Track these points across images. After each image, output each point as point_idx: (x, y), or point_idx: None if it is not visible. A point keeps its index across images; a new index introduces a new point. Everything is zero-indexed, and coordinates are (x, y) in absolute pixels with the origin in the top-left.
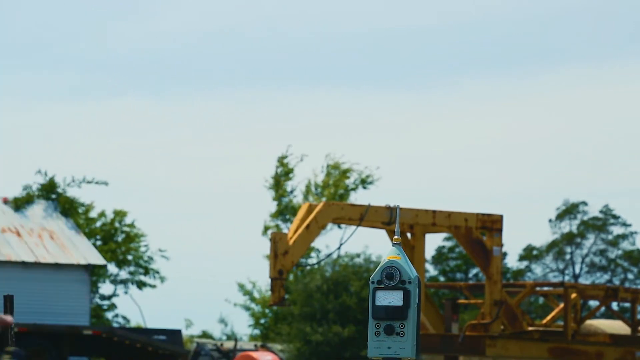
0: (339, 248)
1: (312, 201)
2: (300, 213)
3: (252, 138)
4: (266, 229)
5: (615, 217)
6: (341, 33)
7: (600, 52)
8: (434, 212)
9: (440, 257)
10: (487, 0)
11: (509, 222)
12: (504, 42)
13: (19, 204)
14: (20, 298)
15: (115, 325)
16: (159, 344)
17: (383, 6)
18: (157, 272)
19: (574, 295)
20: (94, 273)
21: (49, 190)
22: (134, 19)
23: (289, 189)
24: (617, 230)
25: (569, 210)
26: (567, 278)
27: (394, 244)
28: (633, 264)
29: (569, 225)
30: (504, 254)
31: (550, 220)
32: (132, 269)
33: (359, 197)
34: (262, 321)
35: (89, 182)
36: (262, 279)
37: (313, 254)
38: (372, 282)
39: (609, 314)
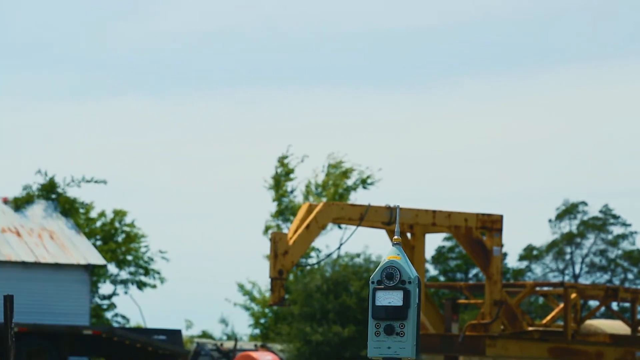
0: (339, 248)
1: (312, 201)
2: (300, 213)
3: (252, 138)
4: (267, 229)
5: (615, 217)
6: (341, 33)
7: (600, 52)
8: (434, 212)
9: (440, 257)
10: (487, 0)
11: (509, 222)
12: (504, 42)
13: (19, 204)
14: (20, 298)
15: (115, 325)
16: (159, 344)
17: (383, 6)
18: (158, 273)
19: (574, 295)
20: (94, 273)
21: (49, 190)
22: (134, 19)
23: (289, 189)
24: (617, 230)
25: (569, 210)
26: (567, 278)
27: (394, 244)
28: (633, 264)
29: (569, 225)
30: (504, 254)
31: (550, 220)
32: (132, 269)
33: (359, 197)
34: (262, 321)
35: (88, 182)
36: (262, 279)
37: (313, 254)
38: (372, 282)
39: (609, 314)
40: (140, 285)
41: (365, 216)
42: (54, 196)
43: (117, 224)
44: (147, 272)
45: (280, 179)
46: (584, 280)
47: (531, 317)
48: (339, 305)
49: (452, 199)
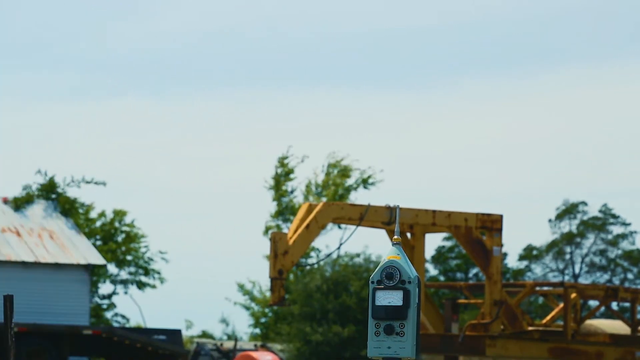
0: (339, 248)
1: (312, 201)
2: (300, 213)
3: (252, 138)
4: (267, 229)
5: (614, 216)
6: (341, 33)
7: (600, 52)
8: (434, 212)
9: (440, 257)
10: (487, 0)
11: (509, 222)
12: (504, 42)
13: (19, 204)
14: (20, 298)
15: (115, 325)
16: (159, 344)
17: (383, 6)
18: (158, 273)
19: (573, 295)
20: (94, 273)
21: (48, 190)
22: (134, 19)
23: (289, 189)
24: (616, 230)
25: (569, 210)
26: (567, 278)
27: (393, 244)
28: (633, 264)
29: (569, 225)
30: (504, 254)
31: (550, 220)
32: (132, 269)
33: (359, 197)
34: (262, 321)
35: (87, 182)
36: (262, 279)
37: (313, 254)
38: (372, 282)
39: (609, 314)
40: (140, 285)
41: (365, 216)
42: (54, 196)
43: (117, 224)
44: (147, 272)
45: (280, 179)
46: (584, 280)
47: (531, 317)
48: (339, 305)
49: (452, 199)
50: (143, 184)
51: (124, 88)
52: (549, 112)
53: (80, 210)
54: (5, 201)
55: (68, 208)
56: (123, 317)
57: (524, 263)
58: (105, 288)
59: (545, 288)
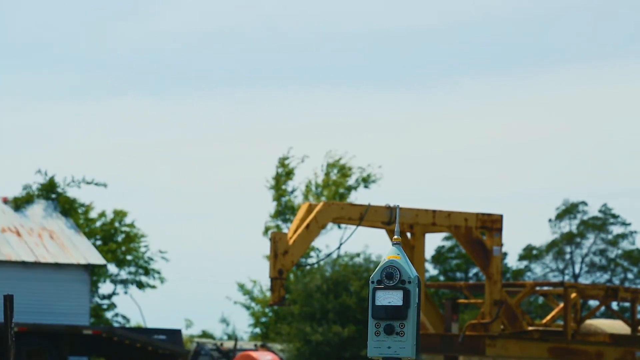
0: (339, 248)
1: (312, 201)
2: (300, 213)
3: (252, 138)
4: (267, 229)
5: (614, 216)
6: (341, 33)
7: (600, 52)
8: (434, 212)
9: (440, 257)
10: (487, 0)
11: (509, 222)
12: (504, 42)
13: (19, 204)
14: (20, 298)
15: (115, 324)
16: (159, 344)
17: (383, 6)
18: (158, 273)
19: (574, 295)
20: (94, 273)
21: (48, 190)
22: (134, 19)
23: (289, 189)
24: (616, 230)
25: (569, 210)
26: (567, 278)
27: (393, 244)
28: (633, 264)
29: (569, 225)
30: (504, 254)
31: (550, 220)
32: (132, 269)
33: (359, 197)
34: (262, 320)
35: (88, 183)
36: (262, 279)
37: (313, 254)
38: (372, 282)
39: (609, 314)
40: (140, 285)
41: (365, 216)
42: (54, 196)
43: (117, 224)
44: (147, 272)
45: (281, 179)
46: (584, 280)
47: (531, 317)
48: (339, 305)
49: (452, 199)
50: (143, 184)
51: (124, 88)
52: (549, 112)
53: (80, 210)
54: (5, 201)
55: (68, 208)
56: (123, 317)
57: (524, 263)
58: (105, 288)
59: (545, 288)
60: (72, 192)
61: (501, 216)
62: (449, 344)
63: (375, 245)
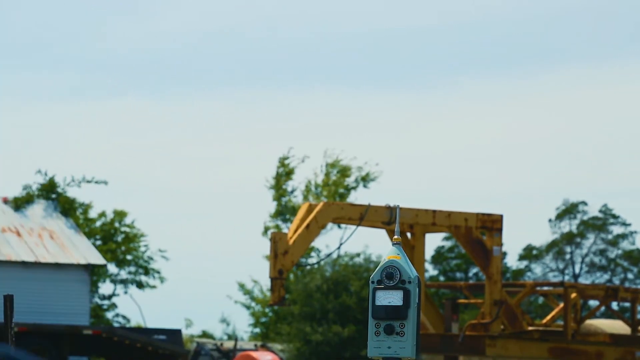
0: (339, 248)
1: (312, 201)
2: (300, 213)
3: (252, 138)
4: (266, 229)
5: (614, 216)
6: (341, 33)
7: (600, 52)
8: (434, 212)
9: (440, 257)
10: (487, 0)
11: (509, 222)
12: (504, 42)
13: (19, 204)
14: (20, 298)
15: (115, 325)
16: (159, 344)
17: (383, 6)
18: (158, 272)
19: (574, 295)
20: (94, 273)
21: (49, 190)
22: (134, 18)
23: (289, 189)
24: (616, 230)
25: (569, 210)
26: (567, 278)
27: (394, 244)
28: (633, 264)
29: (569, 225)
30: (504, 254)
31: (550, 220)
32: (132, 269)
33: (359, 196)
34: (262, 320)
35: (88, 182)
36: (262, 279)
37: (313, 254)
38: (372, 282)
39: (609, 314)
40: (140, 285)
41: (365, 216)
42: (54, 196)
43: (116, 224)
44: (147, 271)
45: (281, 179)
46: (584, 280)
47: (531, 317)
48: (339, 305)
49: (452, 199)
50: (143, 184)
51: (124, 88)
52: (549, 112)
53: (79, 210)
54: (5, 201)
55: (68, 208)
56: (124, 317)
57: (524, 263)
58: (105, 288)
59: (545, 288)
60: (72, 192)
61: (501, 216)
62: (449, 344)
63: (375, 245)
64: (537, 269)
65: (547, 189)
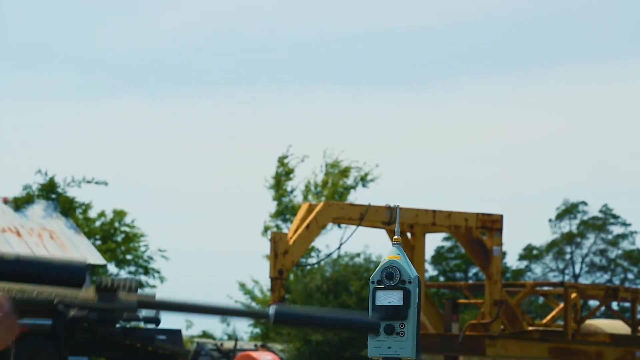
0: (339, 248)
1: (312, 201)
2: (300, 213)
3: (252, 138)
4: (266, 229)
5: (615, 216)
6: (341, 33)
7: (600, 52)
8: (434, 212)
9: (440, 257)
10: (487, 0)
11: (509, 222)
12: (504, 42)
13: (19, 204)
14: None
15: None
16: (159, 344)
17: (383, 6)
18: (158, 272)
19: (574, 295)
20: (94, 273)
21: (49, 190)
22: (134, 18)
23: (289, 189)
24: (617, 230)
25: (569, 210)
26: (567, 278)
27: (394, 244)
28: (633, 264)
29: (569, 225)
30: (504, 254)
31: (550, 220)
32: (132, 269)
33: (359, 196)
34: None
35: (88, 182)
36: (262, 279)
37: (313, 254)
38: (372, 282)
39: (609, 314)
40: (140, 285)
41: (365, 216)
42: (54, 196)
43: (116, 224)
44: (146, 271)
45: (281, 179)
46: (584, 280)
47: (531, 317)
48: (339, 305)
49: (452, 199)
50: (143, 184)
51: (123, 88)
52: (549, 112)
53: (79, 210)
54: (5, 201)
55: (68, 208)
56: None
57: (524, 263)
58: None
59: (546, 288)
60: (72, 192)
61: (501, 216)
62: (449, 344)
63: (375, 245)
64: (537, 269)
65: (547, 189)
